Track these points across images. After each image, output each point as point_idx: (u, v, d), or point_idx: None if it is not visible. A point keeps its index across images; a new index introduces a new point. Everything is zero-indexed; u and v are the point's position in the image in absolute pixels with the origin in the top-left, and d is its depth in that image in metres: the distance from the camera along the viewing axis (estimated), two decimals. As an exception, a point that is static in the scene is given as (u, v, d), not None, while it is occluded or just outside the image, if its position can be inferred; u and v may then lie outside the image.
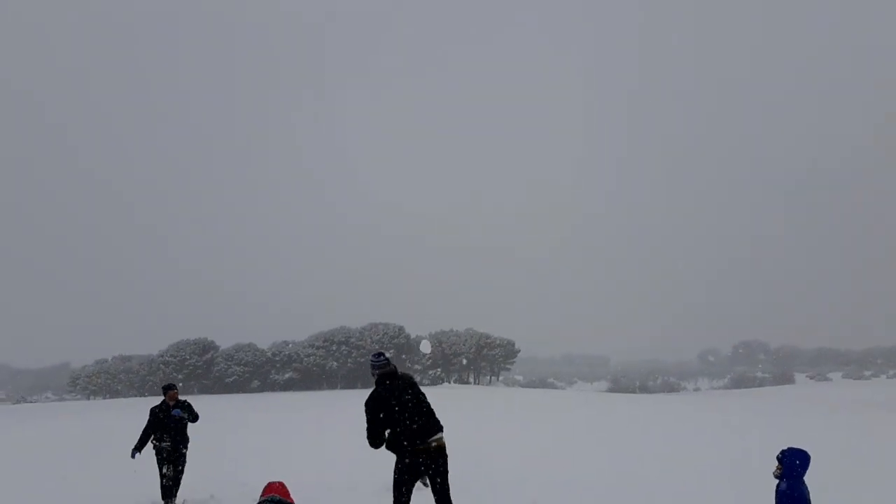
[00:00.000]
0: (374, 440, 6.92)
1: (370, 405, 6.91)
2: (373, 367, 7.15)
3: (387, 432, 6.90)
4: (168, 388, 11.01)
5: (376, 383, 7.05)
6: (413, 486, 6.93)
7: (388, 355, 7.28)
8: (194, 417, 10.92)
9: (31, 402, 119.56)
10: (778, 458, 6.14)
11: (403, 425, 6.81)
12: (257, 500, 5.72)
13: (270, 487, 5.84)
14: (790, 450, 6.12)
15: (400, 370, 7.21)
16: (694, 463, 15.45)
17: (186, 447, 10.79)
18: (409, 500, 6.90)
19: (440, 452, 6.89)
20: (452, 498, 6.89)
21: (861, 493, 11.14)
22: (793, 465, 6.01)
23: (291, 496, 5.85)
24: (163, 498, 10.43)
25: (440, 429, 7.00)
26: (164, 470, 10.48)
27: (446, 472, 6.94)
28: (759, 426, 26.28)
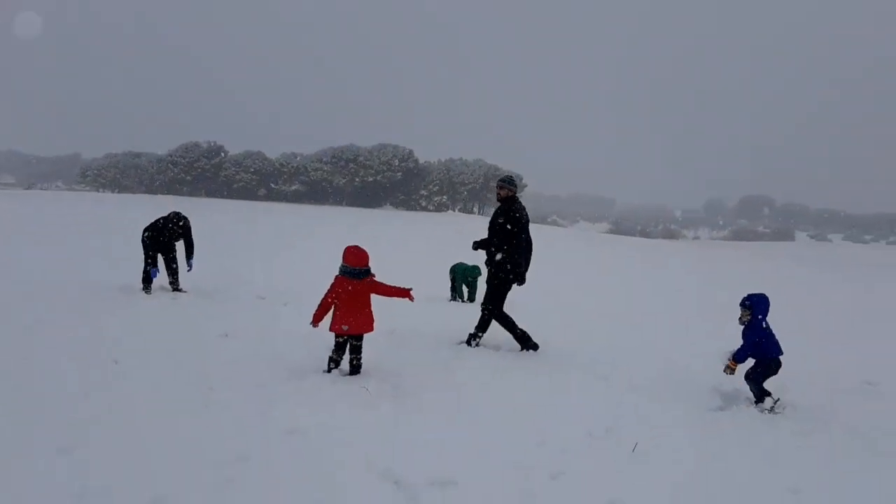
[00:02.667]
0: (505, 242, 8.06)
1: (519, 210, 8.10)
2: (513, 183, 8.24)
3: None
4: (175, 218, 11.32)
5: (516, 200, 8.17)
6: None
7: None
8: (191, 251, 11.45)
9: (41, 188, 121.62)
10: (742, 304, 6.51)
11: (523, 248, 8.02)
12: (343, 266, 6.35)
13: (347, 255, 6.40)
14: (752, 295, 6.46)
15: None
16: (663, 301, 16.01)
17: (175, 249, 11.32)
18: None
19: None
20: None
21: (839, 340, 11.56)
22: (756, 308, 6.37)
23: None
24: (143, 285, 11.03)
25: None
26: (150, 260, 11.05)
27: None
28: (742, 276, 26.95)
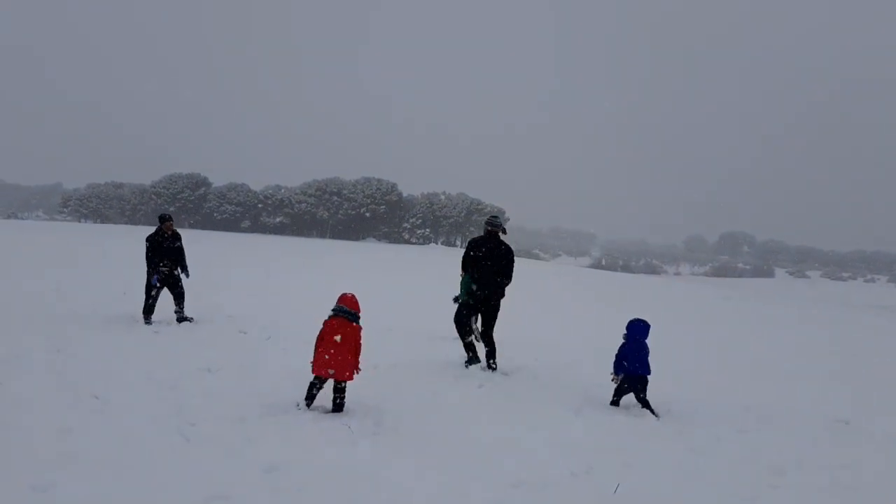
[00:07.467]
0: (465, 266, 9.11)
1: (472, 244, 9.06)
2: (489, 223, 9.00)
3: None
4: (165, 219, 11.34)
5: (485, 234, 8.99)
6: (471, 319, 9.18)
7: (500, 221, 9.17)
8: (186, 272, 11.61)
9: (21, 218, 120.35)
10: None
11: (484, 273, 8.79)
12: (340, 306, 6.54)
13: (343, 298, 6.61)
14: (633, 320, 7.68)
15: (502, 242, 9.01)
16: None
17: (178, 271, 11.47)
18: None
19: (495, 302, 8.89)
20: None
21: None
22: (630, 330, 7.54)
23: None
24: (144, 315, 10.98)
25: (502, 291, 8.92)
26: (153, 292, 11.01)
27: (494, 316, 8.96)
28: (716, 308, 27.20)
